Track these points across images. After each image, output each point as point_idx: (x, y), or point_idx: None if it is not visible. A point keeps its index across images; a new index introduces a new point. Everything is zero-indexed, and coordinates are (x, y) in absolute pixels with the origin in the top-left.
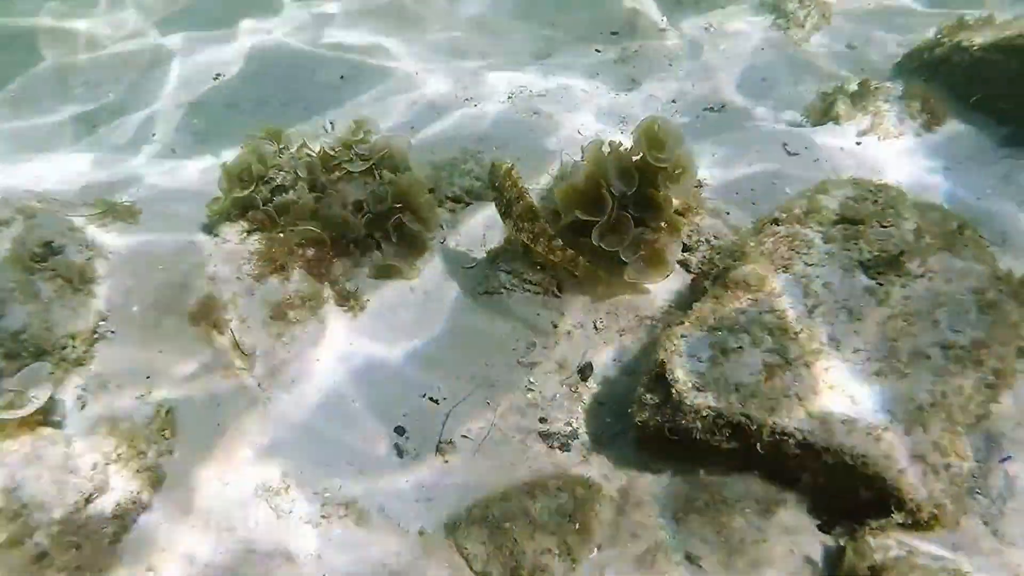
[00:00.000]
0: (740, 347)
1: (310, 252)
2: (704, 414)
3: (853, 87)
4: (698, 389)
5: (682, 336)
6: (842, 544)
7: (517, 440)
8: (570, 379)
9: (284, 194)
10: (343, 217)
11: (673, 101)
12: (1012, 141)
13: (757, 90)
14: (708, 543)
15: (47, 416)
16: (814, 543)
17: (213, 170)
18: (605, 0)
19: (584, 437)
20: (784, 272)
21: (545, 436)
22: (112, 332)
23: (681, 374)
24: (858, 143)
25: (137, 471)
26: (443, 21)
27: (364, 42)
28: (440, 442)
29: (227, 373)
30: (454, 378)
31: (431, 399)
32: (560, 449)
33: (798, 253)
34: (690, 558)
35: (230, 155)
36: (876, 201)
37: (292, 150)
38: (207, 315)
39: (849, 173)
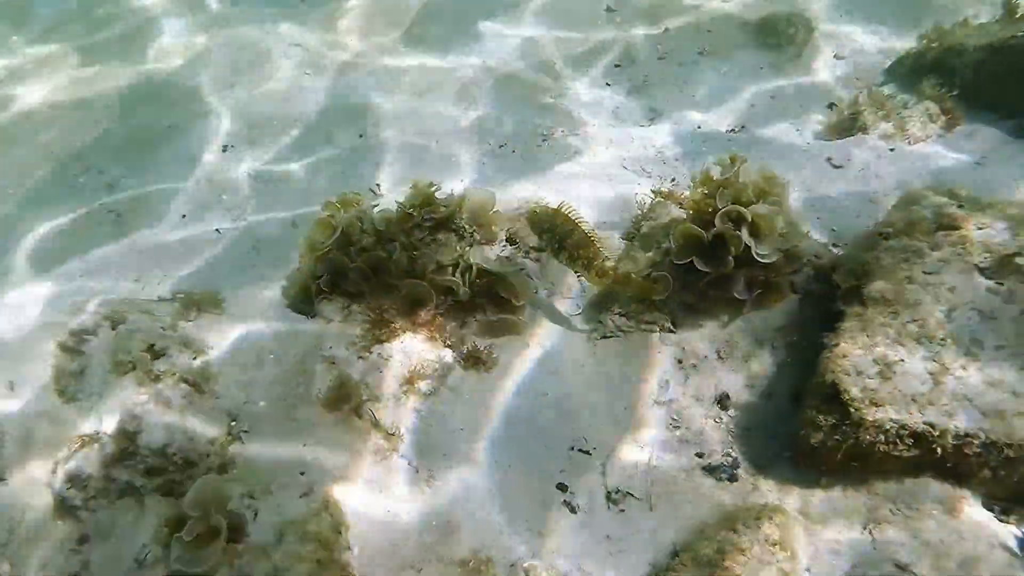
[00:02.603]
0: (901, 359)
1: (421, 314)
2: (887, 427)
3: (865, 96)
4: (876, 405)
5: (844, 356)
6: None
7: (683, 479)
8: (711, 411)
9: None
10: (446, 280)
11: (699, 127)
12: (1020, 132)
13: (769, 107)
14: (910, 549)
15: (239, 534)
16: (1005, 533)
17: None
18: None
19: (744, 464)
20: (910, 283)
21: (710, 470)
22: (245, 431)
23: (856, 392)
24: (891, 149)
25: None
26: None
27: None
28: (608, 492)
29: (377, 457)
30: (596, 426)
31: (581, 451)
32: (729, 481)
33: (915, 264)
34: (900, 566)
35: None
36: (961, 205)
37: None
38: (343, 400)
39: (896, 179)
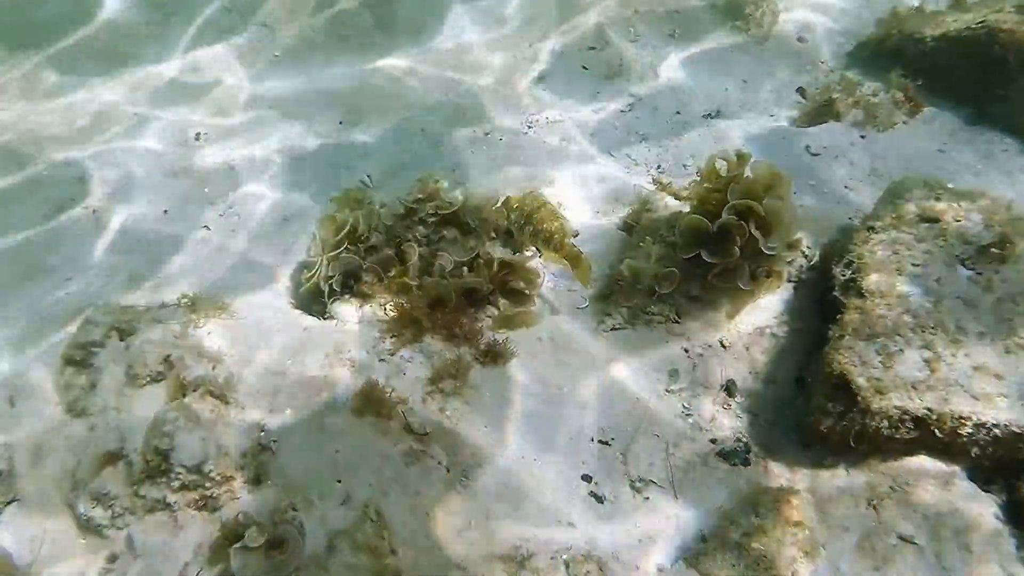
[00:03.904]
0: (900, 349)
1: (440, 313)
2: (891, 414)
3: (836, 82)
4: (880, 392)
5: (850, 348)
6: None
7: (700, 465)
8: (719, 398)
9: (378, 253)
10: (471, 281)
11: (678, 112)
12: (975, 120)
13: (743, 91)
14: (910, 521)
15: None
16: (991, 504)
17: None
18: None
19: (755, 449)
20: (900, 275)
21: (724, 456)
22: (275, 441)
23: (863, 381)
24: (862, 136)
25: None
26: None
27: None
28: (632, 481)
29: (410, 460)
30: (613, 416)
31: (601, 442)
32: (743, 465)
33: (903, 256)
34: (904, 538)
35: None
36: (939, 197)
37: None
38: (372, 404)
39: (869, 166)
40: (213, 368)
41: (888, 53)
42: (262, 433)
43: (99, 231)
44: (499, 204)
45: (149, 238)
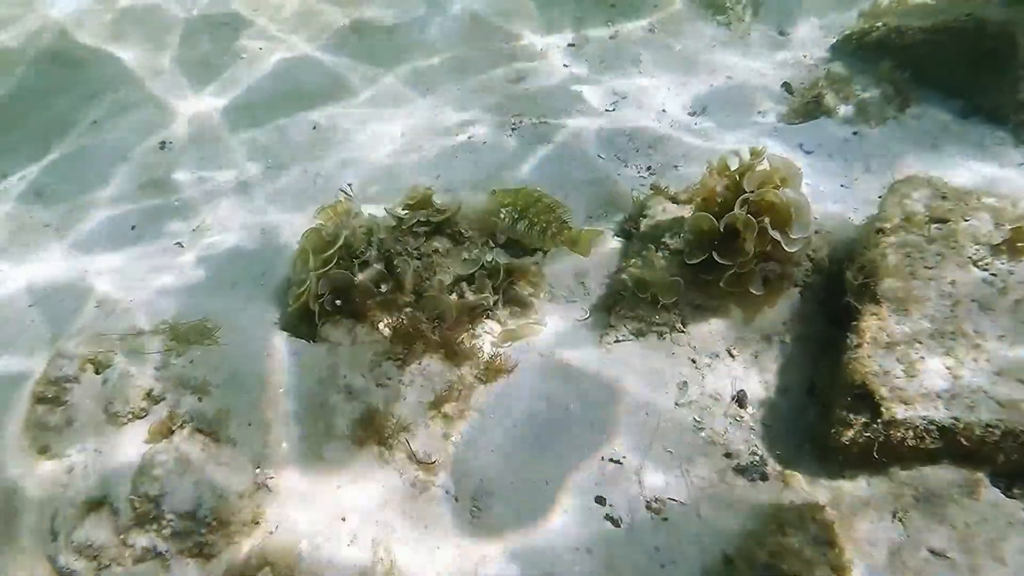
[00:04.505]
0: (922, 357)
1: (439, 332)
2: (916, 424)
3: (824, 76)
4: (904, 403)
5: (869, 357)
6: None
7: (718, 481)
8: (731, 410)
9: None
10: (477, 299)
11: (664, 111)
12: (967, 112)
13: (728, 87)
14: (939, 534)
15: None
16: (1018, 510)
17: None
18: None
19: (771, 462)
20: (914, 279)
21: (741, 471)
22: (271, 478)
23: (885, 392)
24: (855, 132)
25: None
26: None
27: None
28: (648, 502)
29: (417, 491)
30: (623, 433)
31: (612, 460)
32: (761, 480)
33: (915, 259)
34: (935, 552)
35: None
36: (945, 197)
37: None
38: (372, 433)
39: (864, 164)
40: (200, 401)
41: (873, 46)
42: (258, 470)
43: None
44: (490, 203)
45: None
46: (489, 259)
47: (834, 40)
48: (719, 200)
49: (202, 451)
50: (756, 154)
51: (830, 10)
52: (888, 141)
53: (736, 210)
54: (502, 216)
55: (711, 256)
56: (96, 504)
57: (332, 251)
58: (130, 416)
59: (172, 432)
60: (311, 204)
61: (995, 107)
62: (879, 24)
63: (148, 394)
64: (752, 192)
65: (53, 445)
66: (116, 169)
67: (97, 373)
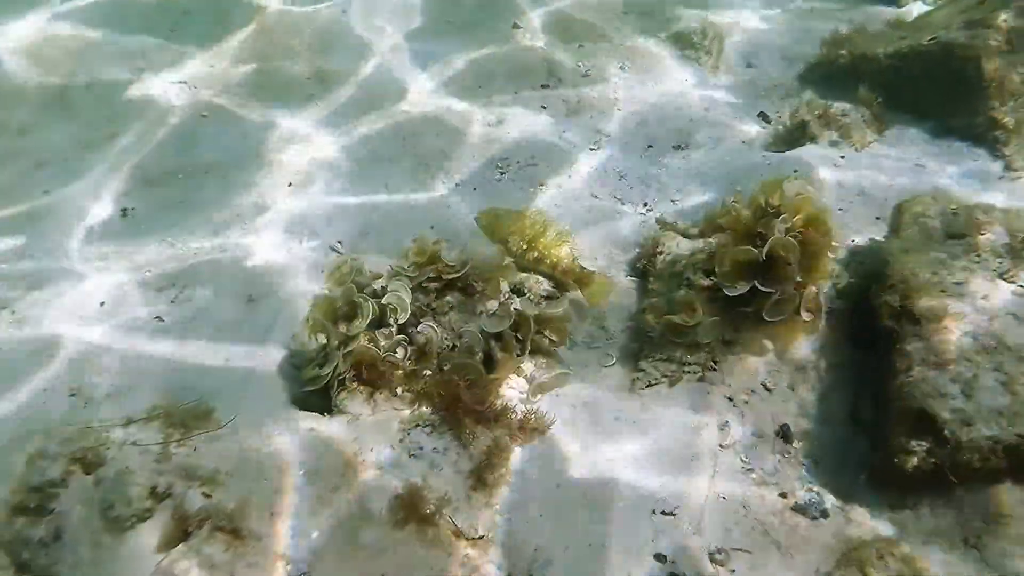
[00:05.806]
0: (975, 375)
1: (468, 393)
2: (982, 445)
3: (801, 104)
4: (968, 424)
5: (923, 380)
6: None
7: (779, 524)
8: (777, 446)
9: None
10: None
11: (650, 146)
12: (940, 132)
13: (706, 120)
14: (1018, 558)
15: None
16: None
17: None
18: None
19: (828, 497)
20: (947, 296)
21: (800, 509)
22: (305, 573)
23: (947, 415)
24: (842, 157)
25: None
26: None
27: None
28: (711, 553)
29: (467, 571)
30: (672, 482)
31: (664, 513)
32: (823, 517)
33: (944, 276)
34: None
35: None
36: (956, 213)
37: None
38: (413, 511)
39: (857, 187)
40: (211, 495)
41: (840, 73)
42: (289, 567)
43: None
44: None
45: None
46: (522, 311)
47: (800, 69)
48: (745, 229)
49: (226, 552)
50: (789, 179)
51: (792, 42)
52: (875, 164)
53: (776, 233)
54: (511, 246)
55: (754, 286)
56: None
57: (356, 328)
58: (134, 519)
59: (188, 533)
60: None
61: (967, 126)
62: (842, 52)
63: (152, 491)
64: (783, 216)
65: (40, 564)
66: None
67: (88, 473)
